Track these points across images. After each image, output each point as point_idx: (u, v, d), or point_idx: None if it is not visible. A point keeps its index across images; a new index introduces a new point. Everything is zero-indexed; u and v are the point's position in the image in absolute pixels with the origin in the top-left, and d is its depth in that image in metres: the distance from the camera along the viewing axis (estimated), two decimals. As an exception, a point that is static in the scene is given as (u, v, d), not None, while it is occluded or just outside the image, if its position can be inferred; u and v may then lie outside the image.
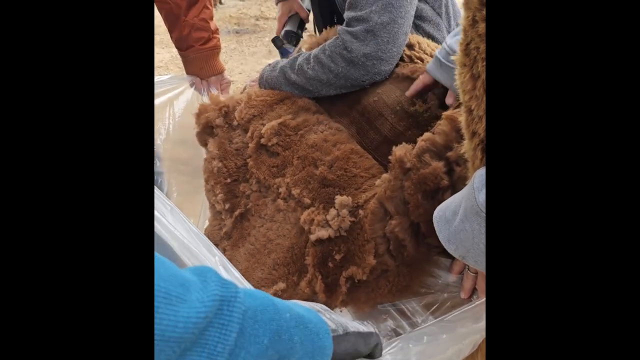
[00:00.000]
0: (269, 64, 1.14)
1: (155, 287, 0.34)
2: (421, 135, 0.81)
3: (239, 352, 0.39)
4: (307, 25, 1.41)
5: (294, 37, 1.33)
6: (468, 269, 0.70)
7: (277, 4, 1.40)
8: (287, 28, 1.34)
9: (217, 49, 1.40)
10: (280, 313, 0.43)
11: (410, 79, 0.93)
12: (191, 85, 1.44)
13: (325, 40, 1.04)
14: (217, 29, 1.40)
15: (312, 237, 0.81)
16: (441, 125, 0.74)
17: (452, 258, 0.72)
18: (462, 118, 0.53)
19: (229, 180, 1.01)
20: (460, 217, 0.53)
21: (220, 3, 5.40)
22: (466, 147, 0.58)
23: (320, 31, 1.21)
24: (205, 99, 1.44)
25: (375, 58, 0.93)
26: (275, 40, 1.34)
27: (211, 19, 1.37)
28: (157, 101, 1.40)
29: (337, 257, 0.79)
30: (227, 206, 1.00)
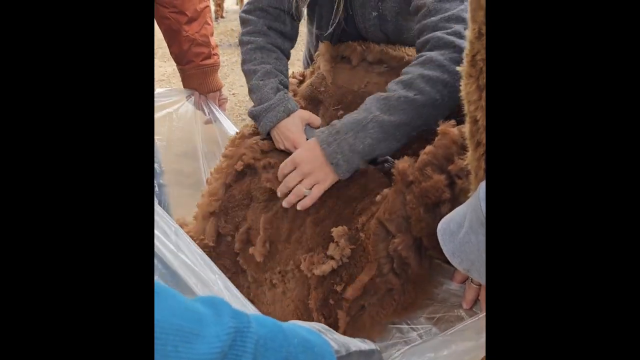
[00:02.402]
0: (326, 134, 0.83)
1: (170, 324, 0.34)
2: (424, 147, 0.81)
3: None
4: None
5: None
6: (471, 281, 0.69)
7: (267, 133, 0.97)
8: None
9: (216, 65, 1.40)
10: (289, 339, 0.43)
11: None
12: (190, 101, 1.44)
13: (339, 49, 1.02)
14: (217, 46, 1.40)
15: (316, 273, 0.78)
16: (440, 139, 0.74)
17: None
18: (466, 129, 0.53)
19: (229, 275, 0.93)
20: (466, 229, 0.53)
21: (222, 17, 5.44)
22: (469, 158, 0.58)
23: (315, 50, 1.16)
24: (202, 115, 1.43)
25: None
26: None
27: (212, 35, 1.37)
28: (157, 114, 1.40)
29: (339, 288, 0.77)
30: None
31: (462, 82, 0.51)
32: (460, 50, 0.78)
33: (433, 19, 0.84)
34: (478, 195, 0.50)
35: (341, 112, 1.01)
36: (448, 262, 0.59)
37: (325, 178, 0.82)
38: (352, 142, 0.80)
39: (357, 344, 0.52)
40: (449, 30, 0.81)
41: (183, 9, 1.29)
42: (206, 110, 1.43)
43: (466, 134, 0.54)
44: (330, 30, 1.05)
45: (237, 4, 5.89)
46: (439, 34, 0.81)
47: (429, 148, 0.74)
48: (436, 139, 0.75)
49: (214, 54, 1.37)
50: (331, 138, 0.81)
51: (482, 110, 0.49)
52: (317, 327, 0.52)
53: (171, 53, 1.39)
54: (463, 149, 0.67)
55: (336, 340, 0.51)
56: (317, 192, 0.82)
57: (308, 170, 0.82)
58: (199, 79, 1.39)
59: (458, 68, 0.53)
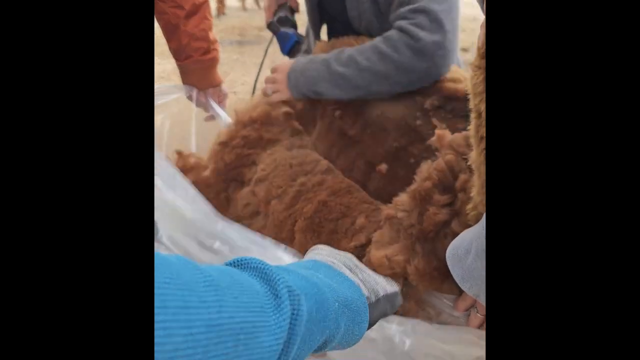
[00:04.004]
0: (298, 58, 1.03)
1: (239, 321, 0.34)
2: (424, 149, 0.79)
3: (297, 355, 0.40)
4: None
5: (289, 22, 1.26)
6: (477, 312, 0.67)
7: None
8: (279, 14, 1.27)
9: (216, 60, 1.37)
10: (330, 305, 0.43)
11: (414, 94, 0.92)
12: (188, 97, 1.42)
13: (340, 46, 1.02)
14: (217, 41, 1.38)
15: None
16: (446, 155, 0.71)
17: (459, 293, 0.69)
18: (471, 125, 0.52)
19: None
20: (473, 256, 0.53)
21: (223, 14, 5.43)
22: (473, 156, 0.56)
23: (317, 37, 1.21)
24: (201, 110, 1.42)
25: (443, 48, 0.88)
26: (271, 25, 1.27)
27: (210, 29, 1.35)
28: (156, 111, 1.39)
29: None
30: None
31: (469, 75, 0.49)
32: (417, 39, 0.87)
33: (405, 8, 0.91)
34: (483, 225, 0.49)
35: (338, 111, 1.01)
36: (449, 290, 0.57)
37: (283, 90, 1.00)
38: (304, 66, 0.97)
39: (384, 286, 0.52)
40: (414, 20, 0.89)
41: (181, 3, 1.28)
42: (207, 107, 1.42)
43: (471, 130, 0.53)
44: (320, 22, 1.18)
45: (238, 1, 5.89)
46: (402, 23, 0.90)
47: (430, 172, 0.71)
48: (442, 154, 0.72)
49: (213, 49, 1.35)
50: (304, 60, 0.99)
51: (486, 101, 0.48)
52: (349, 263, 0.52)
53: (170, 49, 1.37)
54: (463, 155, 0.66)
55: (366, 282, 0.50)
56: (275, 98, 1.01)
57: (278, 77, 1.01)
58: (198, 74, 1.37)
59: (465, 71, 0.52)
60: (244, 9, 5.77)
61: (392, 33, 0.91)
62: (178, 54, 1.35)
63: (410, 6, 0.90)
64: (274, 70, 1.05)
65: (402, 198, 0.73)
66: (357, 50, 0.93)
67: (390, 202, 0.76)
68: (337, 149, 1.00)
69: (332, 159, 1.01)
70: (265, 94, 1.05)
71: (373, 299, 0.50)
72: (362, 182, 0.95)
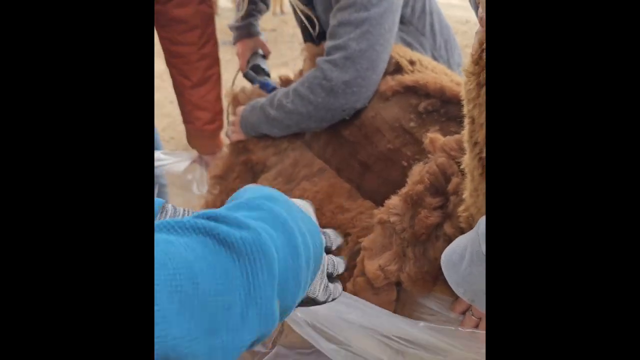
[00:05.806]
0: (248, 104, 1.14)
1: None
2: (417, 152, 0.79)
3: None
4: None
5: (263, 71, 1.33)
6: (472, 314, 0.67)
7: (234, 44, 1.41)
8: (253, 63, 1.35)
9: (218, 130, 1.35)
10: (302, 279, 0.44)
11: (411, 92, 0.92)
12: (194, 162, 1.42)
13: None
14: (222, 109, 1.34)
15: None
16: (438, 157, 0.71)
17: (455, 297, 0.69)
18: (465, 131, 0.52)
19: None
20: (467, 262, 0.53)
21: (217, 14, 5.43)
22: (466, 160, 0.56)
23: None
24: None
25: (355, 86, 0.93)
26: (247, 75, 1.33)
27: (219, 99, 1.31)
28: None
29: None
30: None
31: (463, 82, 0.50)
32: (329, 79, 0.93)
33: (329, 43, 0.96)
34: (477, 231, 0.50)
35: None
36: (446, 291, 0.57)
37: (238, 131, 1.15)
38: (248, 115, 1.11)
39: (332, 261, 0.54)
40: (330, 58, 0.94)
41: (188, 74, 1.25)
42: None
43: (465, 135, 0.53)
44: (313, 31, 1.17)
45: (231, 2, 5.87)
46: (321, 59, 0.96)
47: (421, 176, 0.71)
48: (434, 157, 0.72)
49: (217, 119, 1.32)
50: (246, 106, 1.13)
51: (479, 107, 0.49)
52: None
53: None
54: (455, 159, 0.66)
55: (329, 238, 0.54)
56: (233, 138, 1.17)
57: (234, 122, 1.16)
58: (198, 140, 1.36)
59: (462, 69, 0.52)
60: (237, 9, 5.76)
61: (312, 72, 0.98)
62: (183, 115, 1.34)
63: (333, 41, 0.95)
64: (236, 115, 1.20)
65: (394, 201, 0.72)
66: (285, 93, 1.02)
67: (383, 204, 0.76)
68: (332, 148, 1.01)
69: (327, 158, 1.02)
70: (227, 135, 1.21)
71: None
72: (356, 183, 0.96)
